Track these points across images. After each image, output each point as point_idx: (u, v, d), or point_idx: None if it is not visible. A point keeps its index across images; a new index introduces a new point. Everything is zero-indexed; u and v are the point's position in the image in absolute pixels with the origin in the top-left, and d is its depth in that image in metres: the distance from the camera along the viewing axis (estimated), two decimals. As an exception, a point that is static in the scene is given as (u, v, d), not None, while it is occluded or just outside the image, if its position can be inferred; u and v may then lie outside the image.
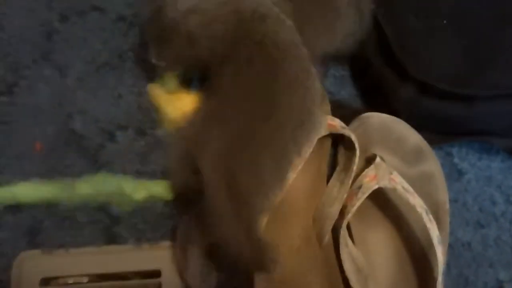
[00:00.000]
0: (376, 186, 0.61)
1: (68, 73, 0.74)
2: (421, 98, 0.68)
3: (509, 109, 0.67)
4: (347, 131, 0.65)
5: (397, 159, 0.68)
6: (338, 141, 0.70)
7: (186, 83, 0.71)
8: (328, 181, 0.69)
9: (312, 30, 0.68)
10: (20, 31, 0.76)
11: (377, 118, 0.69)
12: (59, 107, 0.72)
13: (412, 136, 0.69)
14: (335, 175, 0.69)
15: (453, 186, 0.70)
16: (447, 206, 0.65)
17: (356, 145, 0.64)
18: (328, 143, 0.70)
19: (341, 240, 0.62)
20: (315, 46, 0.67)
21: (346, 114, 0.71)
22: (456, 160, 0.72)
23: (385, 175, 0.63)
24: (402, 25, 0.70)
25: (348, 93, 0.75)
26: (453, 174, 0.71)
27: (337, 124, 0.66)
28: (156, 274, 0.63)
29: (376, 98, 0.73)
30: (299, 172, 0.62)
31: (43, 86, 0.73)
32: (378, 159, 0.65)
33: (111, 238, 0.67)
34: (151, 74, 0.72)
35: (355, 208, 0.61)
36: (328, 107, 0.72)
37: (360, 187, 0.63)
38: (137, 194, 0.65)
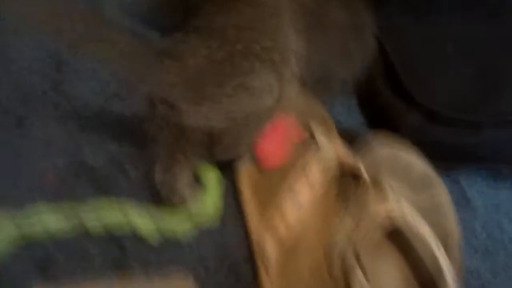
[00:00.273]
0: (385, 215, 0.62)
1: (77, 104, 0.75)
2: (428, 125, 0.69)
3: (516, 136, 0.67)
4: (355, 163, 0.66)
5: (405, 187, 0.69)
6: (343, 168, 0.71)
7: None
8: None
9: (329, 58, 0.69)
10: (30, 63, 0.77)
11: (384, 146, 0.69)
12: (70, 138, 0.73)
13: (420, 164, 0.69)
14: (342, 203, 0.69)
15: (461, 213, 0.70)
16: (457, 234, 0.65)
17: (365, 176, 0.65)
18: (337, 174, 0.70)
19: (351, 271, 0.62)
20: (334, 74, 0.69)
21: (353, 142, 0.71)
22: (463, 187, 0.72)
23: (393, 203, 0.63)
24: (409, 52, 0.71)
25: (355, 121, 0.76)
26: (461, 201, 0.72)
27: (344, 154, 0.67)
28: (167, 306, 0.64)
29: (383, 126, 0.74)
30: (311, 206, 0.63)
31: (53, 119, 0.74)
32: (386, 187, 0.66)
33: (122, 270, 0.67)
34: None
35: (364, 237, 0.61)
36: (336, 134, 0.72)
37: (368, 215, 0.63)
38: (148, 227, 0.66)
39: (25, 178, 0.70)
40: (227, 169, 0.71)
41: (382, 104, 0.72)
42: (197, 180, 0.69)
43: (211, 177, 0.69)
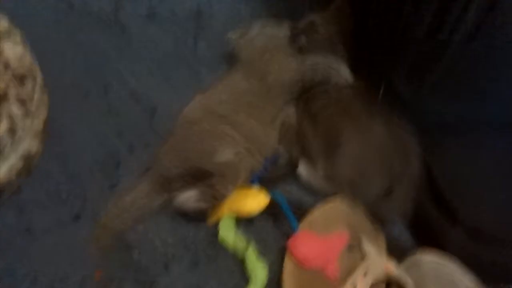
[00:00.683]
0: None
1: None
2: (472, 243, 0.69)
3: None
4: (403, 276, 0.66)
5: (450, 303, 0.68)
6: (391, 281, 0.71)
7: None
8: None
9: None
10: (91, 163, 0.82)
11: (429, 260, 0.70)
12: (119, 238, 0.76)
13: (465, 280, 0.69)
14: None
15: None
16: None
17: (411, 290, 0.65)
18: (382, 285, 0.70)
19: None
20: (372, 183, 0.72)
21: (398, 253, 0.72)
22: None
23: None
24: (453, 170, 0.73)
25: (399, 231, 0.76)
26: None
27: (392, 267, 0.67)
28: None
29: (429, 242, 0.74)
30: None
31: (107, 215, 0.77)
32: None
33: None
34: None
35: None
36: (383, 245, 0.73)
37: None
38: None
39: (76, 273, 0.72)
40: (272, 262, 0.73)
41: (427, 220, 0.73)
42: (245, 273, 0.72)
43: (259, 273, 0.71)
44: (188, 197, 0.74)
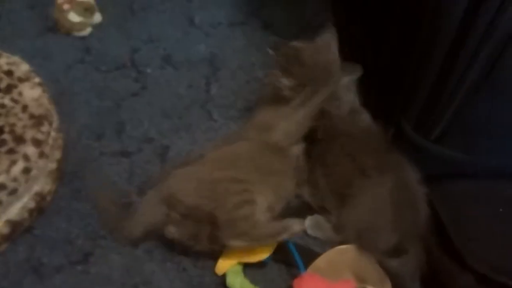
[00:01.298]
0: None
1: (139, 245, 0.79)
2: (481, 289, 0.68)
3: None
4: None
5: None
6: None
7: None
8: None
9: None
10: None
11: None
12: (128, 277, 0.76)
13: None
14: None
15: None
16: None
17: None
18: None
19: None
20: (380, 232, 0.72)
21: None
22: None
23: None
24: (459, 211, 0.73)
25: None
26: None
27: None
28: None
29: (435, 285, 0.73)
30: None
31: (116, 256, 0.78)
32: None
33: None
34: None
35: None
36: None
37: None
38: None
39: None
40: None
41: (436, 266, 0.73)
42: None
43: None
44: (182, 232, 0.75)
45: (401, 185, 0.76)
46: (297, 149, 0.82)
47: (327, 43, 0.86)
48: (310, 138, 0.83)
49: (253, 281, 0.75)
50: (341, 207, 0.78)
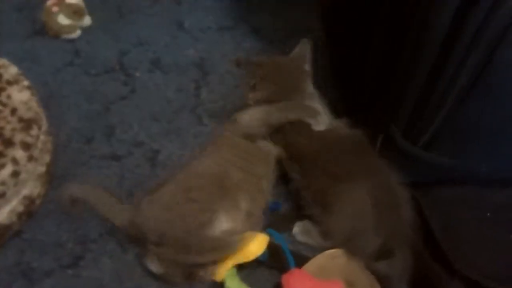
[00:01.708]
0: None
1: (129, 249, 0.79)
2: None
3: None
4: None
5: None
6: None
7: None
8: None
9: None
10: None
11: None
12: (118, 282, 0.76)
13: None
14: None
15: None
16: None
17: None
18: None
19: None
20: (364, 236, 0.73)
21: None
22: None
23: None
24: (448, 217, 0.74)
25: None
26: None
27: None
28: None
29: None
30: None
31: (106, 260, 0.78)
32: None
33: None
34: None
35: None
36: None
37: None
38: None
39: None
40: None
41: (425, 272, 0.73)
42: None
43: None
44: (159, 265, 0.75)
45: (381, 188, 0.76)
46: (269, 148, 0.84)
47: (297, 57, 0.89)
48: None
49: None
50: (324, 215, 0.78)
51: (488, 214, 0.74)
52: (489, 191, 0.75)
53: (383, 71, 0.79)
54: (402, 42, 0.72)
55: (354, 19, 0.89)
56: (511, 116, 0.69)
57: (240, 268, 0.76)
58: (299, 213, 0.82)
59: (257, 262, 0.76)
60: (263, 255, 0.76)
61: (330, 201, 0.77)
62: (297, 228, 0.81)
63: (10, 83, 0.85)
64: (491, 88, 0.66)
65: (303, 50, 0.89)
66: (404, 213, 0.75)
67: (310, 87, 0.89)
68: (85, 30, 1.10)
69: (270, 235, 0.77)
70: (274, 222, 0.80)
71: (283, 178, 0.85)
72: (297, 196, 0.83)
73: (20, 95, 0.84)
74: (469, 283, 0.68)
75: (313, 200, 0.80)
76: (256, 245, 0.75)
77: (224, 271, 0.74)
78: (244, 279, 0.75)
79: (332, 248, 0.76)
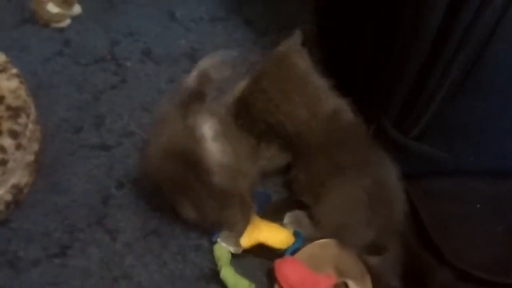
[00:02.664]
0: None
1: (118, 238, 0.78)
2: (459, 284, 0.69)
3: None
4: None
5: None
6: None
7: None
8: None
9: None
10: (80, 196, 0.82)
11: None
12: (107, 271, 0.75)
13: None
14: None
15: None
16: None
17: None
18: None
19: None
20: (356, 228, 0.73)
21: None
22: None
23: None
24: (438, 208, 0.74)
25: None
26: None
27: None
28: None
29: (414, 280, 0.74)
30: None
31: (94, 249, 0.77)
32: None
33: None
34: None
35: None
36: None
37: None
38: None
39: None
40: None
41: (414, 262, 0.73)
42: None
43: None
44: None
45: (378, 181, 0.76)
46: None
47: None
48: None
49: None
50: (317, 204, 0.78)
51: (478, 205, 0.74)
52: (478, 184, 0.76)
53: (375, 60, 0.79)
54: (393, 37, 0.72)
55: (347, 11, 0.89)
56: (501, 110, 0.69)
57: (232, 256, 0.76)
58: (290, 203, 0.82)
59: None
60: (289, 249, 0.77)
61: (325, 191, 0.77)
62: (289, 218, 0.81)
63: (-2, 70, 0.84)
64: (481, 84, 0.67)
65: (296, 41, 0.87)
66: (398, 208, 0.75)
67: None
68: (75, 19, 1.09)
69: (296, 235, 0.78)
70: (265, 211, 0.80)
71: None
72: (291, 184, 0.83)
73: (8, 83, 0.83)
74: (457, 272, 0.68)
75: (309, 187, 0.79)
76: (285, 241, 0.77)
77: (249, 242, 0.75)
78: (235, 267, 0.75)
79: (322, 238, 0.76)
